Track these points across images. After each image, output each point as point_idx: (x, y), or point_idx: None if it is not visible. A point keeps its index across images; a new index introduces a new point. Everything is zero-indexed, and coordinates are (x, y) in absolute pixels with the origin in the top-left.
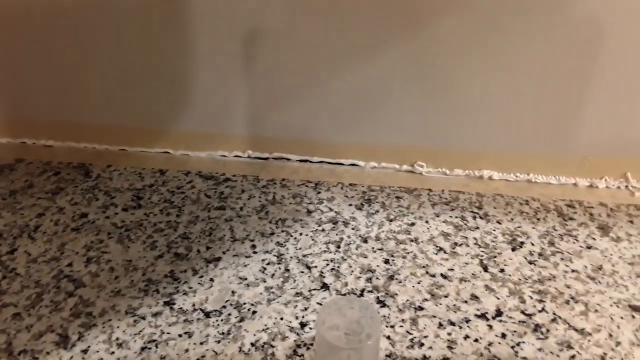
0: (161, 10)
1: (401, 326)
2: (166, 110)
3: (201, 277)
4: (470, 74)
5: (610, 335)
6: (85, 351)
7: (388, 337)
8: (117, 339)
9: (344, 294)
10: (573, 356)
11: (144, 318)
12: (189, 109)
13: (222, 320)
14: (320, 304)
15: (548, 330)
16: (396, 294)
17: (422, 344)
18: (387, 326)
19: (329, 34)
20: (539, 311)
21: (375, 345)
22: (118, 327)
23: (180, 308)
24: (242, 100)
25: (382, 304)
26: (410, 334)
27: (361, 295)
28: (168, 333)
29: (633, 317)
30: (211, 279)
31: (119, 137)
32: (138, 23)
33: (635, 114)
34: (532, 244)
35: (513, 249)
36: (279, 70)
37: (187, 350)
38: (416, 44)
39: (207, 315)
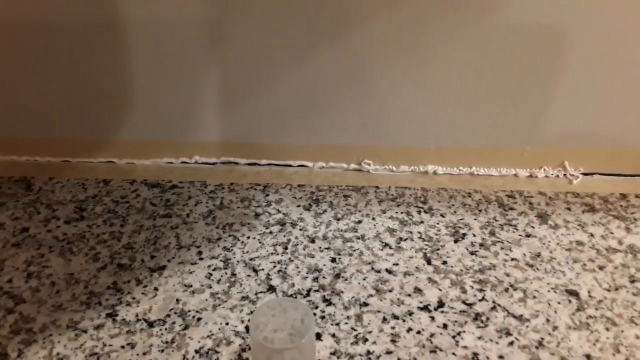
0: (99, 23)
1: (346, 323)
2: (109, 120)
3: (145, 286)
4: (409, 73)
5: (548, 320)
6: None
7: (333, 335)
8: (58, 353)
9: (291, 295)
10: (511, 342)
11: (85, 331)
12: (133, 117)
13: (166, 329)
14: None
15: (488, 319)
16: (342, 292)
17: (366, 340)
18: (332, 324)
19: (270, 42)
20: (479, 300)
21: (311, 341)
22: (59, 341)
23: (123, 319)
24: (188, 107)
25: (328, 302)
26: (355, 330)
27: (307, 295)
28: (110, 345)
29: (570, 301)
30: (155, 288)
31: (61, 149)
32: (76, 36)
33: (571, 105)
34: (474, 235)
35: (455, 241)
36: (225, 77)
37: None
38: (353, 47)
39: (151, 325)
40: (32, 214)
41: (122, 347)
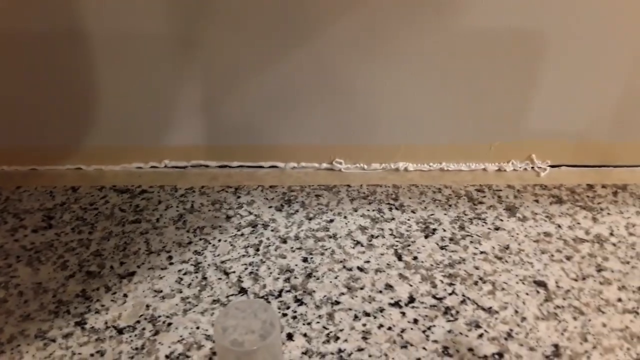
0: (63, 28)
1: (318, 322)
2: (76, 126)
3: (114, 293)
4: (374, 72)
5: (516, 312)
6: None
7: (305, 335)
8: None
9: (262, 297)
10: (481, 335)
11: (54, 340)
12: (101, 123)
13: (136, 335)
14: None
15: (457, 312)
16: (314, 291)
17: (337, 338)
18: (303, 324)
19: (238, 44)
20: (449, 294)
21: (277, 341)
22: (27, 352)
23: (92, 327)
24: (157, 111)
25: (300, 302)
26: (326, 329)
27: (279, 295)
28: (79, 354)
29: (538, 292)
30: (125, 295)
31: (28, 157)
32: (41, 43)
33: (538, 100)
34: (444, 230)
35: (426, 237)
36: (192, 80)
37: None
38: (321, 48)
39: (120, 331)
40: None
41: (92, 355)
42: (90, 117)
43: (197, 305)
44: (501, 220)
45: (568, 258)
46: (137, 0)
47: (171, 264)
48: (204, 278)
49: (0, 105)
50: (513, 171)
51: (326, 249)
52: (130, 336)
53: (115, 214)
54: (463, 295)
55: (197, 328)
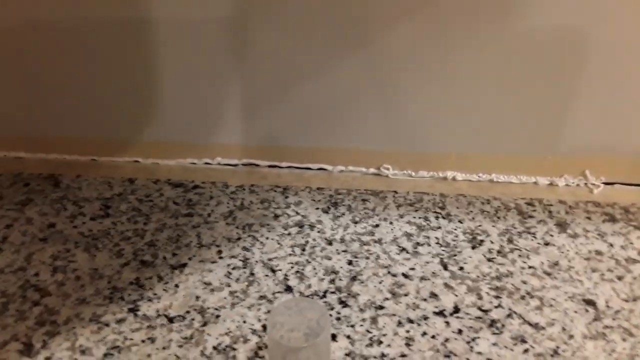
0: (127, 23)
1: (361, 325)
2: (135, 119)
3: (166, 283)
4: (428, 79)
5: (564, 329)
6: (48, 358)
7: (348, 337)
8: (81, 345)
9: (307, 296)
10: (526, 350)
11: (107, 325)
12: (159, 118)
13: (185, 325)
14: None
15: (503, 325)
16: (358, 294)
17: (380, 342)
18: (347, 326)
19: (293, 47)
20: (495, 307)
21: (326, 341)
22: (82, 334)
23: (144, 314)
24: (211, 108)
25: (344, 304)
26: (369, 332)
27: (324, 296)
28: (131, 339)
29: (587, 310)
30: (176, 285)
31: (88, 147)
32: (105, 36)
33: (594, 113)
34: (492, 242)
35: (473, 247)
36: (249, 80)
37: (149, 355)
38: (376, 52)
39: (171, 320)
40: (59, 210)
41: (143, 341)
42: (148, 112)
43: (244, 300)
44: (551, 235)
45: (619, 278)
46: None
47: (221, 258)
48: (252, 274)
49: (64, 95)
50: (565, 186)
51: (371, 254)
52: (180, 325)
53: (169, 207)
54: (509, 309)
55: (244, 322)
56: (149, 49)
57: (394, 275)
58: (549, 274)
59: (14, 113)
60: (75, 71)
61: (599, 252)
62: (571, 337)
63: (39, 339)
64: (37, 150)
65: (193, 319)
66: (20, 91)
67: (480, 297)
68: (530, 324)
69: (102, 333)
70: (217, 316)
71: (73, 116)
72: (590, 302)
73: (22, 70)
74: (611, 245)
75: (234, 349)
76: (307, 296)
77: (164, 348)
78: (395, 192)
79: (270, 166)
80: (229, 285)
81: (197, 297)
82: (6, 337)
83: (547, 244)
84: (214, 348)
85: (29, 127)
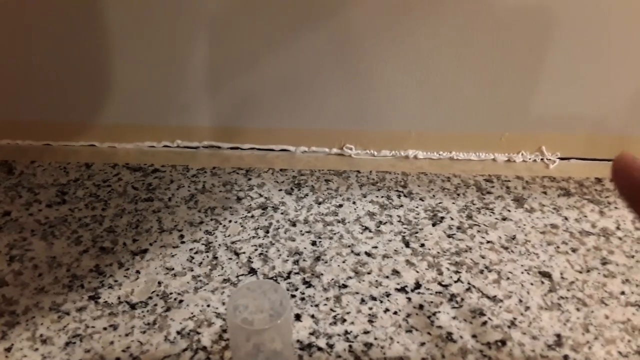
0: (81, 1)
1: (325, 304)
2: (90, 103)
3: (127, 269)
4: (388, 57)
5: (520, 301)
6: (8, 349)
7: (312, 316)
8: (41, 335)
9: (271, 278)
10: (485, 322)
11: (68, 313)
12: (115, 100)
13: (147, 311)
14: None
15: (462, 299)
16: (322, 274)
17: (344, 320)
18: (311, 305)
19: (252, 23)
20: (455, 282)
21: (288, 322)
22: (42, 323)
23: (106, 302)
24: (170, 90)
25: (308, 284)
26: (333, 311)
27: (288, 277)
28: (93, 327)
29: (542, 282)
30: (137, 271)
31: (42, 132)
32: (59, 13)
33: (550, 91)
34: (452, 219)
35: (434, 224)
36: (206, 59)
37: (112, 343)
38: (335, 31)
39: (133, 307)
40: (14, 197)
41: (105, 328)
42: (104, 94)
43: (207, 284)
44: (509, 210)
45: (574, 250)
46: None
47: (183, 242)
48: (215, 257)
49: (16, 78)
50: (522, 162)
51: (335, 234)
52: (142, 311)
53: (128, 192)
54: (468, 283)
55: (208, 306)
56: (104, 28)
57: (357, 254)
58: (506, 248)
59: None
60: (28, 51)
61: (554, 226)
62: (527, 308)
63: None
64: None
65: (156, 305)
66: None
67: (440, 273)
68: (488, 297)
69: (62, 322)
70: (181, 301)
71: (25, 99)
72: (545, 275)
73: None
74: (566, 218)
75: (198, 333)
76: (271, 278)
77: (126, 335)
78: (358, 171)
79: (232, 148)
80: (191, 270)
81: (160, 283)
82: None
83: (504, 219)
84: (178, 333)
85: None
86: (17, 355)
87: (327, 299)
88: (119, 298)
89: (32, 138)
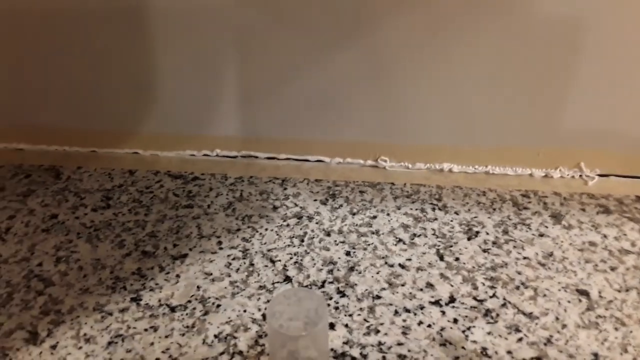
0: (128, 14)
1: (359, 314)
2: (135, 112)
3: (167, 273)
4: (423, 72)
5: (557, 319)
6: (54, 347)
7: (346, 326)
8: (85, 334)
9: (306, 286)
10: (520, 339)
11: (111, 314)
12: (159, 110)
13: (187, 314)
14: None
15: (498, 315)
16: (356, 284)
17: (378, 331)
18: (345, 315)
19: (292, 38)
20: (490, 297)
21: (324, 330)
22: (86, 323)
23: (147, 304)
24: (210, 101)
25: (342, 294)
26: (367, 321)
27: (322, 286)
28: (134, 328)
29: (580, 300)
30: (177, 275)
31: (88, 139)
32: (106, 26)
33: (589, 106)
34: (487, 233)
35: (469, 239)
36: (246, 72)
37: (152, 344)
38: (372, 44)
39: (173, 309)
40: (61, 201)
41: (146, 329)
42: (148, 104)
43: (244, 290)
44: (546, 227)
45: (612, 269)
46: None
47: (221, 248)
48: (252, 264)
49: (64, 87)
50: (560, 178)
51: (369, 244)
52: (181, 314)
53: (169, 198)
54: (504, 299)
55: (244, 311)
56: (150, 41)
57: (391, 266)
58: (543, 265)
59: (14, 105)
60: (76, 63)
61: (592, 243)
62: (564, 326)
63: (44, 327)
64: (37, 142)
65: (194, 309)
66: (21, 83)
67: (475, 287)
68: (524, 314)
69: (105, 322)
70: (218, 305)
71: (73, 108)
72: (583, 292)
73: (24, 62)
74: (605, 236)
75: (235, 337)
76: (306, 286)
77: (166, 336)
78: (393, 183)
79: (268, 158)
80: (229, 275)
81: (198, 287)
82: (12, 326)
83: (541, 235)
84: (215, 336)
85: (30, 119)
86: (61, 353)
87: (360, 309)
88: (159, 301)
89: (79, 145)
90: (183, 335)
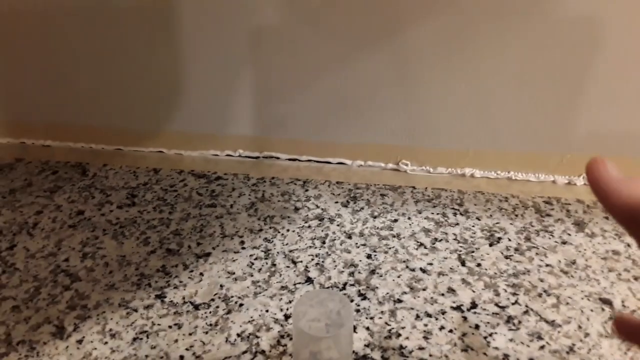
0: (155, 13)
1: (380, 318)
2: (160, 111)
3: (191, 271)
4: (447, 77)
5: (580, 327)
6: (80, 341)
7: (367, 328)
8: (111, 329)
9: (327, 288)
10: (542, 346)
11: (136, 310)
12: (183, 110)
13: (210, 312)
14: None
15: (520, 322)
16: (377, 287)
17: (399, 335)
18: (366, 318)
19: (318, 41)
20: (512, 304)
21: (349, 332)
22: (111, 318)
23: (171, 301)
24: (235, 101)
25: (363, 296)
26: (388, 325)
27: (343, 288)
28: (159, 324)
29: (602, 309)
30: (201, 274)
31: (114, 137)
32: (133, 26)
33: (613, 114)
34: (509, 240)
35: (490, 244)
36: (270, 73)
37: (176, 341)
38: (397, 48)
39: (196, 307)
40: (87, 198)
41: (170, 326)
42: (172, 104)
43: (266, 290)
44: (569, 234)
45: (636, 278)
46: None
47: (243, 248)
48: (274, 264)
49: (91, 86)
50: (583, 185)
51: (390, 248)
52: (205, 312)
53: (193, 197)
54: (526, 306)
55: (267, 311)
56: (176, 41)
57: (412, 270)
58: (565, 273)
59: (42, 102)
60: (103, 62)
61: (616, 252)
62: (587, 335)
63: (70, 322)
64: (64, 139)
65: (217, 307)
66: (48, 81)
67: (497, 294)
68: (546, 321)
69: (130, 318)
70: (241, 305)
71: (100, 106)
72: (606, 301)
73: (52, 60)
74: (628, 245)
75: (257, 337)
76: (327, 288)
77: (190, 334)
78: (414, 187)
79: (290, 159)
80: (251, 275)
81: (221, 286)
82: (39, 320)
83: (564, 242)
84: (238, 335)
85: (57, 116)
86: (87, 348)
87: (382, 312)
88: (183, 298)
89: (105, 142)
90: (206, 333)
